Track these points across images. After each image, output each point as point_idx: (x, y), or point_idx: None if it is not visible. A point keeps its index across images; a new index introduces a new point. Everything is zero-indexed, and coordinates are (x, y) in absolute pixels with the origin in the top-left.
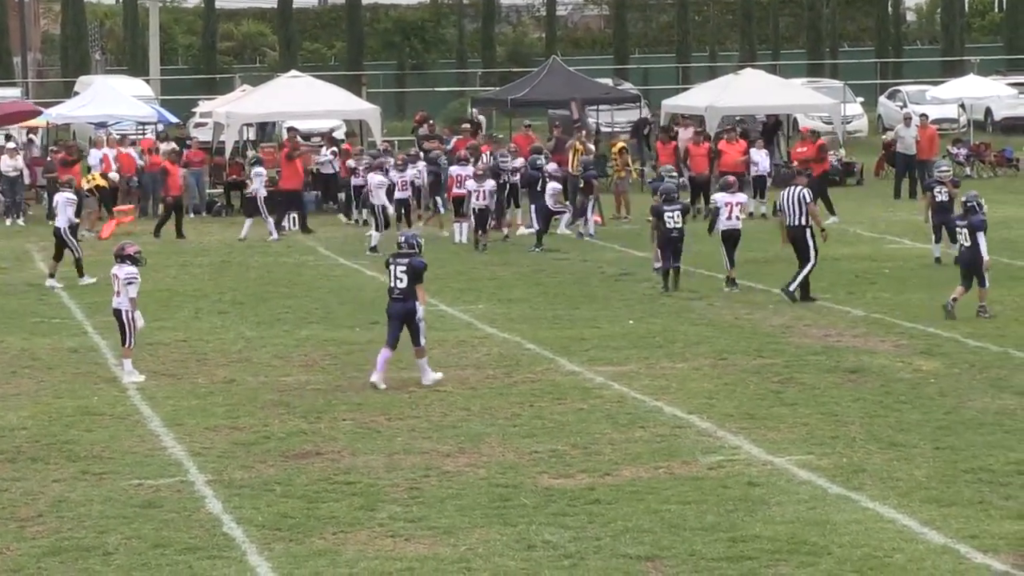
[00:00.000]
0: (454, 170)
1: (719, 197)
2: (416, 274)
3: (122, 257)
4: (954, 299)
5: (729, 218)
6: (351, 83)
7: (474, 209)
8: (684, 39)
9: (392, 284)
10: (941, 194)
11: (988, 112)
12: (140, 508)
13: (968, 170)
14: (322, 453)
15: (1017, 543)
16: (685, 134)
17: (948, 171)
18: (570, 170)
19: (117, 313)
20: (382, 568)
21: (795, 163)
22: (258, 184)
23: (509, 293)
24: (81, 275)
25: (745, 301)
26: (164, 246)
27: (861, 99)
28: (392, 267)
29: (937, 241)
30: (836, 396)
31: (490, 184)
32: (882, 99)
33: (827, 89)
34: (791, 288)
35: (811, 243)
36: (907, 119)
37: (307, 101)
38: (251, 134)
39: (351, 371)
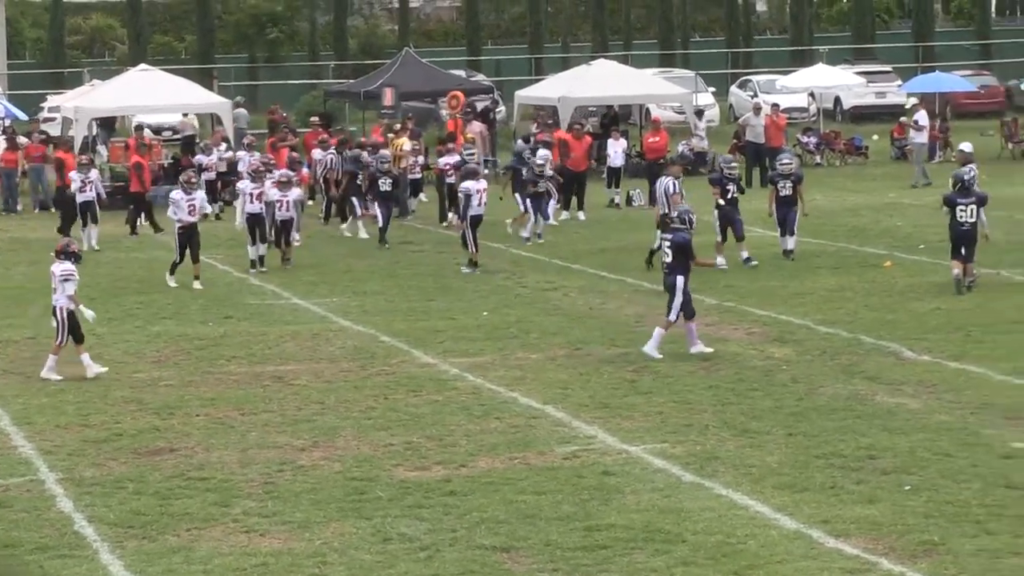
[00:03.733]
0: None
1: (468, 185)
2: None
3: (62, 254)
4: (960, 275)
5: (479, 204)
6: (202, 77)
7: (277, 221)
8: (536, 30)
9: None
10: (784, 188)
11: (837, 101)
12: None
13: (818, 158)
14: (175, 449)
15: (868, 527)
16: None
17: (790, 164)
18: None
19: (54, 310)
20: (236, 564)
21: (650, 153)
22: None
23: (363, 286)
24: None
25: (600, 291)
26: (11, 243)
27: (712, 89)
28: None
29: (782, 235)
30: (689, 384)
31: (295, 193)
32: (733, 89)
33: (679, 79)
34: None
35: None
36: (756, 109)
37: (157, 95)
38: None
39: (204, 366)
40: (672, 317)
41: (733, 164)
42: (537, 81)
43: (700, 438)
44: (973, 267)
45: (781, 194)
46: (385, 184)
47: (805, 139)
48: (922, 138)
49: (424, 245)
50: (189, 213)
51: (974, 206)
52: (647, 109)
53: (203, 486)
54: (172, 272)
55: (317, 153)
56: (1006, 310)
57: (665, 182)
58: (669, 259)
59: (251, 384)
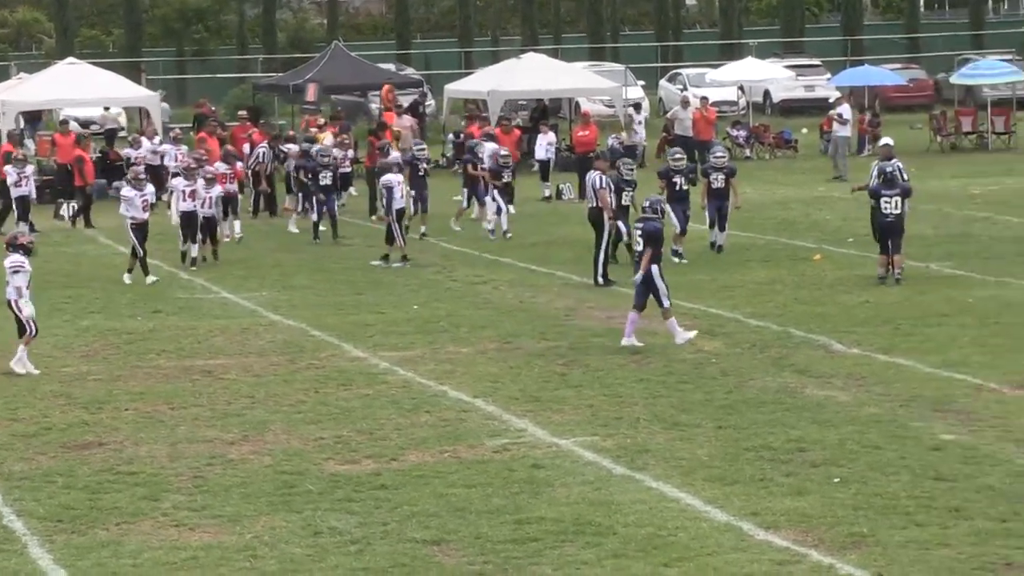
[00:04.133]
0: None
1: (390, 178)
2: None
3: (12, 246)
4: (886, 268)
5: (401, 197)
6: (130, 70)
7: (201, 219)
8: (466, 24)
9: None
10: (717, 181)
11: (767, 94)
12: None
13: (748, 152)
14: (104, 444)
15: (797, 519)
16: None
17: (724, 156)
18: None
19: (8, 304)
20: (166, 558)
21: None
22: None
23: (293, 280)
24: None
25: (530, 284)
26: None
27: (642, 82)
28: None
29: (711, 227)
30: (620, 377)
31: (217, 190)
32: (663, 82)
33: (608, 72)
34: (599, 278)
35: (607, 226)
36: (684, 102)
37: (85, 88)
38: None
39: (133, 361)
40: (666, 304)
41: (679, 156)
42: (467, 75)
43: (630, 431)
44: (901, 259)
45: (713, 187)
46: (326, 177)
47: (735, 132)
48: (845, 131)
49: (354, 239)
50: (143, 209)
51: (898, 198)
52: (577, 103)
53: (132, 480)
54: (146, 271)
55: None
56: (935, 303)
57: (592, 176)
58: (640, 248)
59: (180, 378)
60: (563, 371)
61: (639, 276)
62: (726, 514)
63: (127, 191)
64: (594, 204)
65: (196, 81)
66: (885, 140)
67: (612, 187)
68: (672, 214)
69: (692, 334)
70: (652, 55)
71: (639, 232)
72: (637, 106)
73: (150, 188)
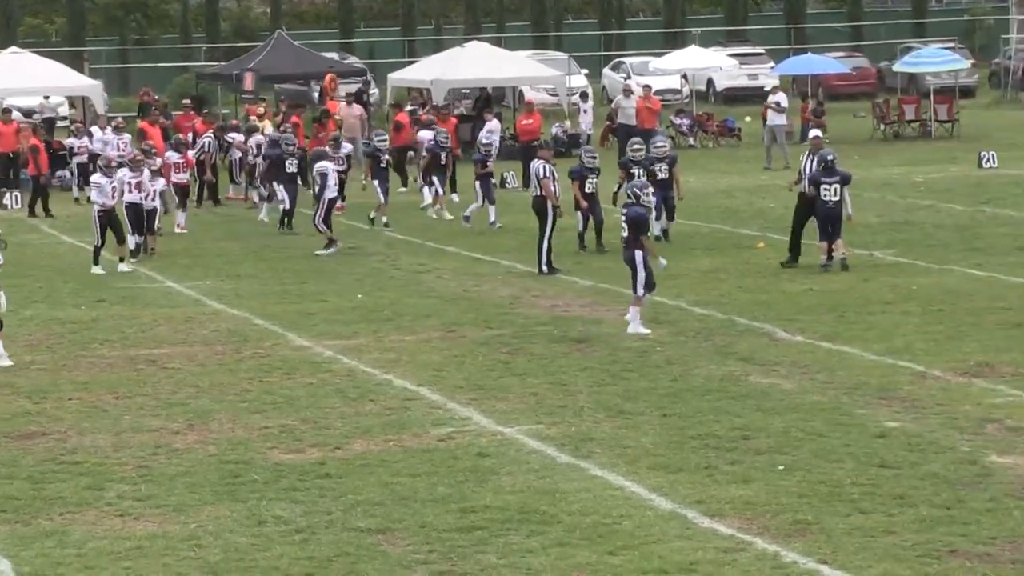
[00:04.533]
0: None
1: (324, 164)
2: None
3: None
4: (829, 256)
5: (335, 184)
6: (73, 59)
7: (145, 211)
8: (409, 12)
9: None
10: (661, 171)
11: (710, 83)
12: None
13: (691, 140)
14: (48, 433)
15: (742, 507)
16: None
17: (665, 146)
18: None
19: None
20: (111, 548)
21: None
22: None
23: (237, 269)
24: None
25: (473, 273)
26: None
27: (586, 71)
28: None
29: (657, 219)
30: (564, 365)
31: (160, 183)
32: (606, 71)
33: (552, 61)
34: (543, 266)
35: (551, 214)
36: (627, 91)
37: (27, 77)
38: None
39: (77, 350)
40: (640, 292)
41: (638, 146)
42: (410, 63)
43: (575, 419)
44: (843, 243)
45: (658, 177)
46: (292, 166)
47: (678, 121)
48: (781, 120)
49: (298, 228)
50: (112, 196)
51: (838, 185)
52: (521, 91)
53: (76, 470)
54: (96, 260)
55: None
56: (878, 290)
57: (536, 165)
58: (625, 234)
59: (124, 368)
60: (507, 359)
61: (662, 261)
62: (671, 502)
63: (98, 178)
64: (538, 193)
65: (139, 70)
66: (813, 132)
67: (555, 176)
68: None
69: (646, 332)
70: (595, 43)
71: (624, 218)
72: (584, 94)
73: (119, 174)
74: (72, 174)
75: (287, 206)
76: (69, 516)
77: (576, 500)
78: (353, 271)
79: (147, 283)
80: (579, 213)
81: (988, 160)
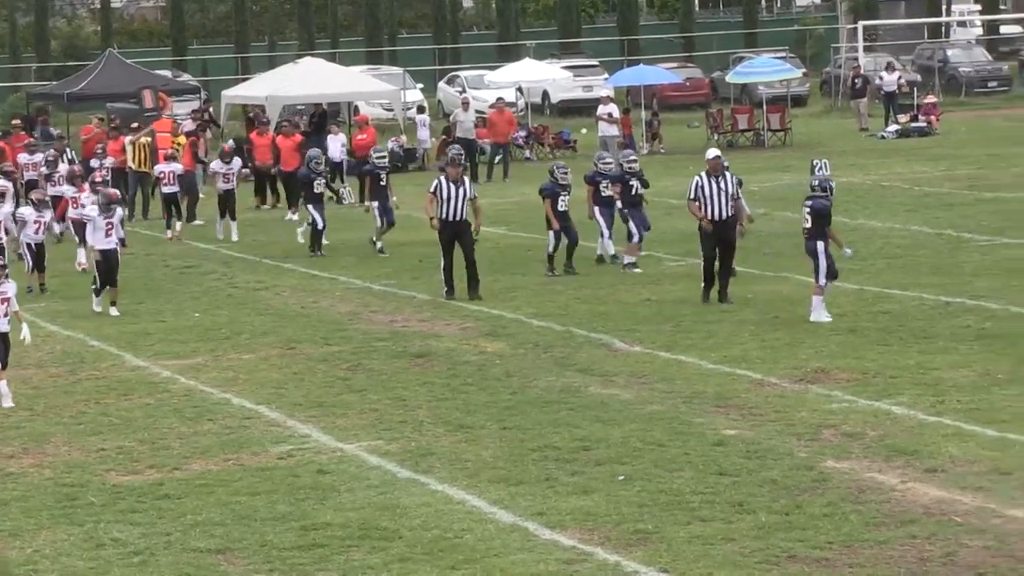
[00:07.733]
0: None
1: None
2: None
3: None
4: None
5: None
6: None
7: (29, 246)
8: (242, 29)
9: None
10: (607, 189)
11: (545, 95)
12: None
13: (528, 152)
14: None
15: (583, 518)
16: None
17: (611, 163)
18: (131, 165)
19: None
20: None
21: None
22: None
23: (72, 290)
24: None
25: (312, 290)
26: None
27: (420, 85)
28: None
29: (610, 237)
30: (404, 381)
31: (48, 214)
32: (441, 84)
33: (387, 76)
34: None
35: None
36: (465, 104)
37: None
38: None
39: None
40: (822, 282)
41: (608, 160)
42: (244, 80)
43: (415, 434)
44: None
45: (603, 194)
46: (319, 186)
47: (515, 134)
48: (612, 131)
49: (133, 246)
50: (36, 232)
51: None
52: (356, 106)
53: None
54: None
55: (23, 157)
56: (715, 299)
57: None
58: (808, 225)
59: None
60: (347, 376)
61: (847, 250)
62: (512, 515)
63: (24, 211)
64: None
65: None
66: (714, 152)
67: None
68: (602, 221)
69: (828, 318)
70: (430, 58)
71: (808, 209)
72: (421, 108)
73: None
74: None
75: (322, 225)
76: None
77: (417, 515)
78: (190, 289)
79: None
80: (551, 233)
81: (820, 168)
